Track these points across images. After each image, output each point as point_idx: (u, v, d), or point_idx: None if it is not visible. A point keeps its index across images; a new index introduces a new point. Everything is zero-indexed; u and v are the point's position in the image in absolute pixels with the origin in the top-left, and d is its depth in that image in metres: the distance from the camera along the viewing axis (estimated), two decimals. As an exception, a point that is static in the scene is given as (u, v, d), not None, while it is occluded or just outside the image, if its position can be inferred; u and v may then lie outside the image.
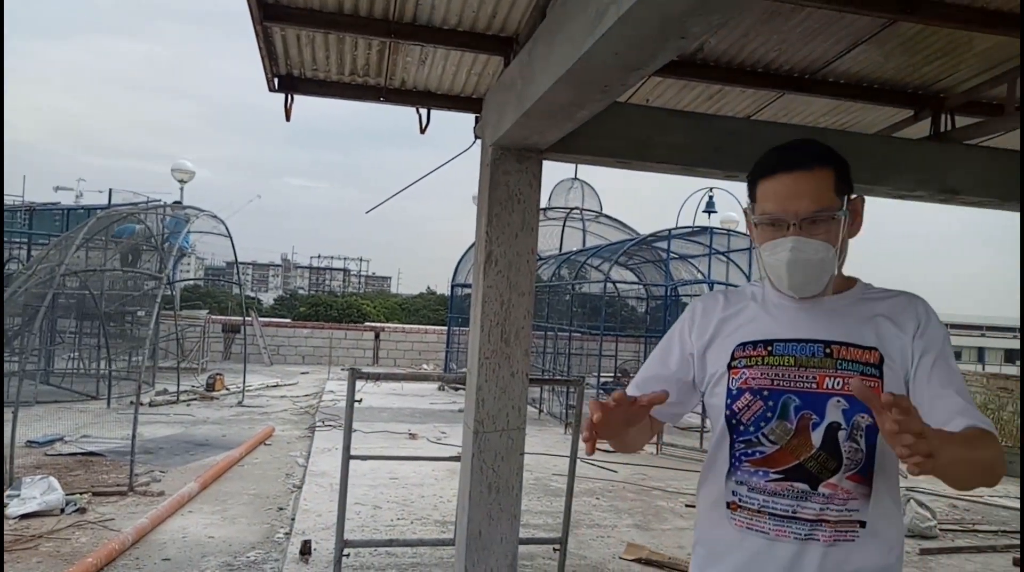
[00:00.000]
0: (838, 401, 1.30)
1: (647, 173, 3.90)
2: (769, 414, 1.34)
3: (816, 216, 1.33)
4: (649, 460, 7.83)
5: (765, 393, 1.34)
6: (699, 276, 10.82)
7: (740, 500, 1.36)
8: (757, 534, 1.33)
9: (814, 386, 1.32)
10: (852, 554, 1.29)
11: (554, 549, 4.07)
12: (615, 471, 7.17)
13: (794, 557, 1.30)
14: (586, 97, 2.44)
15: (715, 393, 1.42)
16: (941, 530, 5.52)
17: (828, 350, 1.33)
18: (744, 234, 10.02)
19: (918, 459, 0.99)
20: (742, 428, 1.36)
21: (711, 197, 14.41)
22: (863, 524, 1.30)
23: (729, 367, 1.39)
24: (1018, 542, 5.43)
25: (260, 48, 3.53)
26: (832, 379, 1.31)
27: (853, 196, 1.37)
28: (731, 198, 25.12)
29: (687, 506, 6.01)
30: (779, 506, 1.31)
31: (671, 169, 3.65)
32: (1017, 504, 6.66)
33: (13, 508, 4.80)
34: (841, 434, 1.30)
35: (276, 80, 3.94)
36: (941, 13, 2.92)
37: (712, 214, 14.50)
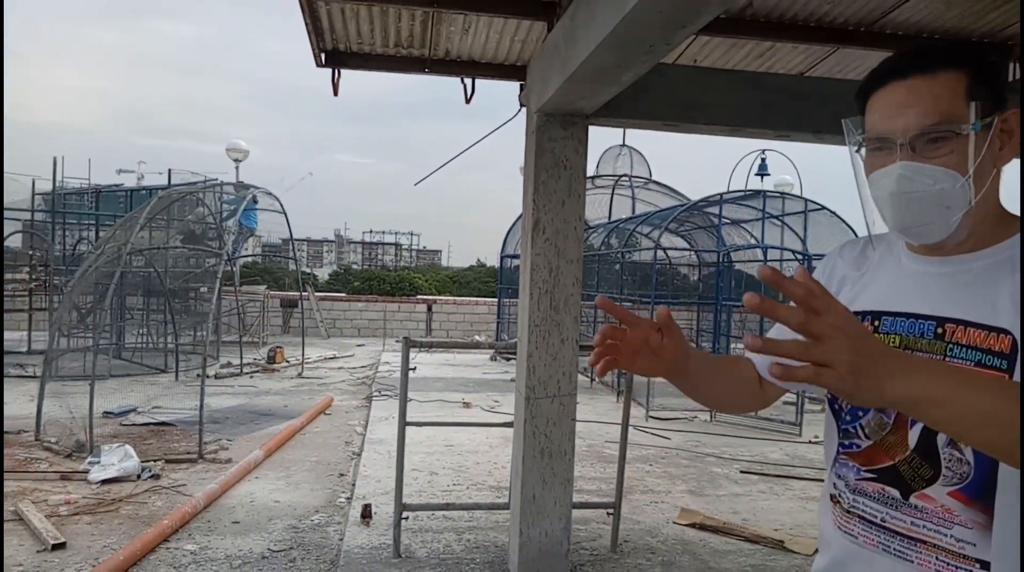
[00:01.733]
0: None
1: (698, 135, 3.84)
2: None
3: (934, 133, 1.01)
4: (703, 427, 7.80)
5: None
6: (752, 241, 10.59)
7: (840, 495, 1.18)
8: (846, 536, 1.16)
9: None
10: None
11: (608, 513, 4.12)
12: (668, 438, 7.17)
13: (881, 569, 1.10)
14: (630, 58, 2.41)
15: None
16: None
17: (940, 330, 1.06)
18: (799, 197, 9.75)
19: (805, 368, 0.79)
20: (843, 415, 1.17)
21: (764, 160, 14.01)
22: (985, 566, 1.00)
23: None
24: None
25: (306, 24, 3.58)
26: None
27: (1002, 112, 1.03)
28: (784, 160, 24.40)
29: (742, 472, 5.98)
30: (868, 509, 1.12)
31: (720, 131, 3.59)
32: None
33: (94, 474, 5.10)
34: (940, 438, 1.05)
35: (323, 55, 4.00)
36: (1008, -46, 2.77)
37: (765, 177, 14.12)
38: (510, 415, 4.15)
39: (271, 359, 11.27)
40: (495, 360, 12.65)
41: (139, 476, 5.20)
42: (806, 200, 9.25)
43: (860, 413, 1.14)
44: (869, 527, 1.12)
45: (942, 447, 1.04)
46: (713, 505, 5.08)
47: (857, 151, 1.10)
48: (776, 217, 9.68)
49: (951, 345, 1.05)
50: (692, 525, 4.58)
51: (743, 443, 7.08)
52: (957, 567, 1.02)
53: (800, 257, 8.96)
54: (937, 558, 1.04)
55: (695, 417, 8.26)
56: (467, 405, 8.45)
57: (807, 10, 3.45)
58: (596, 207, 13.46)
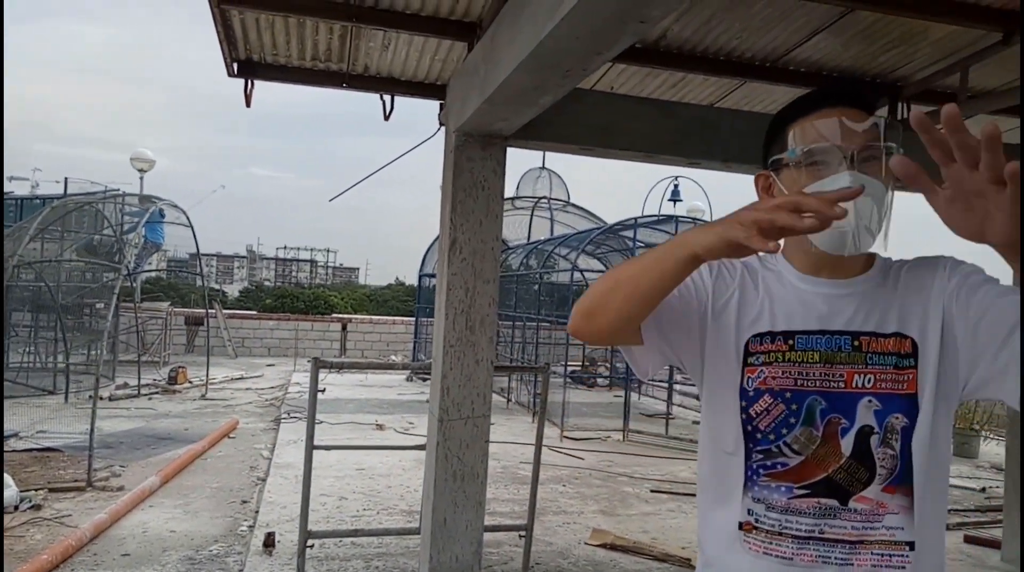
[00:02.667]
0: (870, 401, 1.12)
1: (614, 161, 3.92)
2: (793, 420, 1.14)
3: (874, 151, 1.08)
4: (615, 447, 7.90)
5: (788, 395, 1.14)
6: (665, 265, 10.92)
7: (757, 520, 1.15)
8: (777, 560, 1.13)
9: (842, 385, 1.13)
10: None
11: (519, 536, 4.08)
12: (582, 458, 7.22)
13: None
14: (548, 82, 2.44)
15: (722, 389, 1.20)
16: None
17: (856, 342, 1.14)
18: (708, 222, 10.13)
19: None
20: (759, 436, 1.16)
21: (676, 186, 14.53)
22: (912, 545, 1.10)
23: (744, 364, 1.18)
24: (969, 520, 5.60)
25: (218, 32, 3.45)
26: (861, 376, 1.13)
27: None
28: (696, 187, 25.40)
29: (652, 491, 6.08)
30: (803, 526, 1.12)
31: (634, 156, 3.68)
32: (968, 484, 6.88)
33: (-35, 505, 4.66)
34: (874, 439, 1.11)
35: (235, 65, 3.86)
36: (897, 2, 2.97)
37: (677, 203, 14.62)
38: (425, 437, 4.07)
39: (172, 380, 10.72)
40: (411, 381, 12.46)
41: (17, 507, 4.79)
42: (715, 226, 9.62)
43: (784, 431, 1.14)
44: (805, 543, 1.12)
45: (875, 448, 1.11)
46: (624, 525, 5.13)
47: (790, 167, 1.15)
48: (687, 242, 10.02)
49: (869, 354, 1.14)
50: (603, 545, 4.61)
51: (654, 462, 7.22)
52: (891, 555, 1.10)
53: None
54: (872, 552, 1.10)
55: (608, 437, 8.38)
56: (380, 427, 8.27)
57: (717, 44, 3.59)
58: (515, 228, 13.57)
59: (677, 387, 10.51)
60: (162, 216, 10.89)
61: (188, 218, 10.96)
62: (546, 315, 11.75)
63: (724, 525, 1.19)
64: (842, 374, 1.14)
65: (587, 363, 13.94)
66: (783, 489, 1.14)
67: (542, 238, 12.36)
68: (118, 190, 9.94)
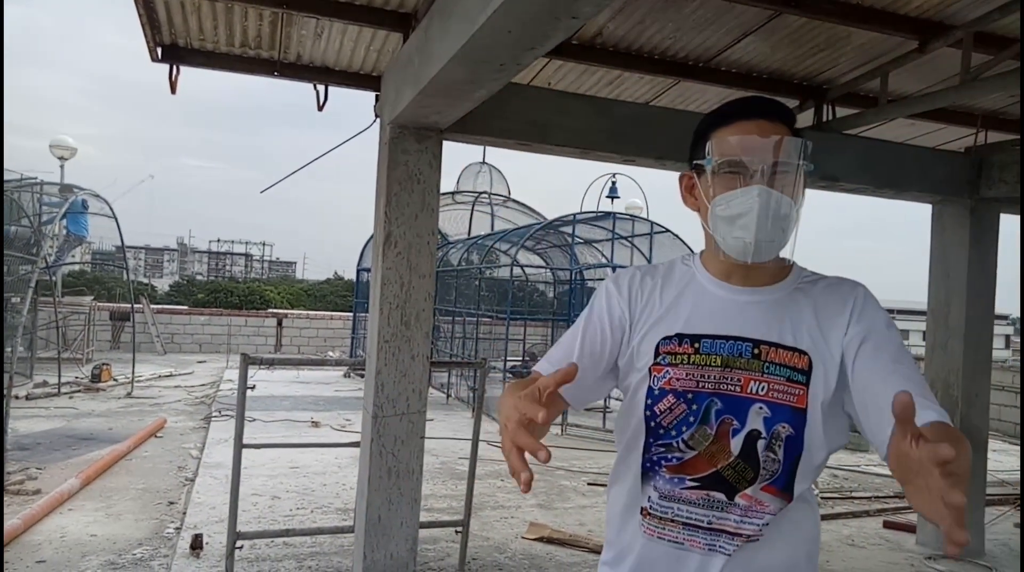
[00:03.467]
0: (760, 408, 1.19)
1: (554, 157, 3.93)
2: (692, 418, 1.21)
3: (783, 166, 1.17)
4: (553, 440, 7.96)
5: (689, 396, 1.21)
6: (603, 260, 11.06)
7: (652, 508, 1.24)
8: (668, 544, 1.23)
9: (738, 389, 1.20)
10: (758, 552, 1.21)
11: (456, 532, 4.07)
12: (521, 453, 7.25)
13: (705, 568, 1.21)
14: (482, 75, 2.42)
15: (634, 387, 1.27)
16: (822, 498, 5.90)
17: (756, 350, 1.21)
18: (646, 219, 10.31)
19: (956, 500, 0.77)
20: (661, 431, 1.23)
21: (614, 183, 14.72)
22: (768, 525, 1.23)
23: (654, 363, 1.24)
24: (888, 506, 5.87)
25: (140, 15, 3.31)
26: (757, 383, 1.20)
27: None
28: (633, 184, 25.78)
29: (589, 484, 6.15)
30: (694, 515, 1.21)
31: (571, 152, 3.70)
32: (887, 472, 7.20)
33: None
34: (760, 443, 1.19)
35: (159, 50, 3.71)
36: (822, 8, 3.07)
37: (615, 199, 14.82)
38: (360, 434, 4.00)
39: (96, 377, 10.27)
40: (349, 377, 12.28)
41: (-79, 514, 4.50)
42: (652, 222, 9.79)
43: (684, 428, 1.21)
44: (695, 532, 1.21)
45: (761, 451, 1.19)
46: (561, 518, 5.17)
47: (706, 173, 1.22)
48: (625, 238, 10.17)
49: (766, 363, 1.20)
50: (540, 539, 4.64)
51: (591, 455, 7.31)
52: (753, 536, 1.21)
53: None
54: (751, 544, 1.20)
55: (548, 431, 8.43)
56: (316, 424, 8.12)
57: (651, 43, 3.64)
58: (456, 222, 13.50)
59: (615, 381, 10.67)
60: (84, 207, 10.38)
61: (112, 209, 10.50)
62: (486, 310, 11.74)
63: (627, 509, 1.28)
64: (739, 379, 1.20)
65: (527, 358, 14.01)
66: (676, 480, 1.22)
67: (483, 233, 12.35)
68: (35, 178, 9.43)
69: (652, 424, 1.24)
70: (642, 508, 1.26)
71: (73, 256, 14.04)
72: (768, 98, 1.26)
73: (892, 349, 1.17)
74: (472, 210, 13.11)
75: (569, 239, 10.50)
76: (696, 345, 1.22)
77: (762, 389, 1.19)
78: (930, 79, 3.86)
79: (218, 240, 71.02)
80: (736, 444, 1.19)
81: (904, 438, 0.83)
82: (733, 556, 1.20)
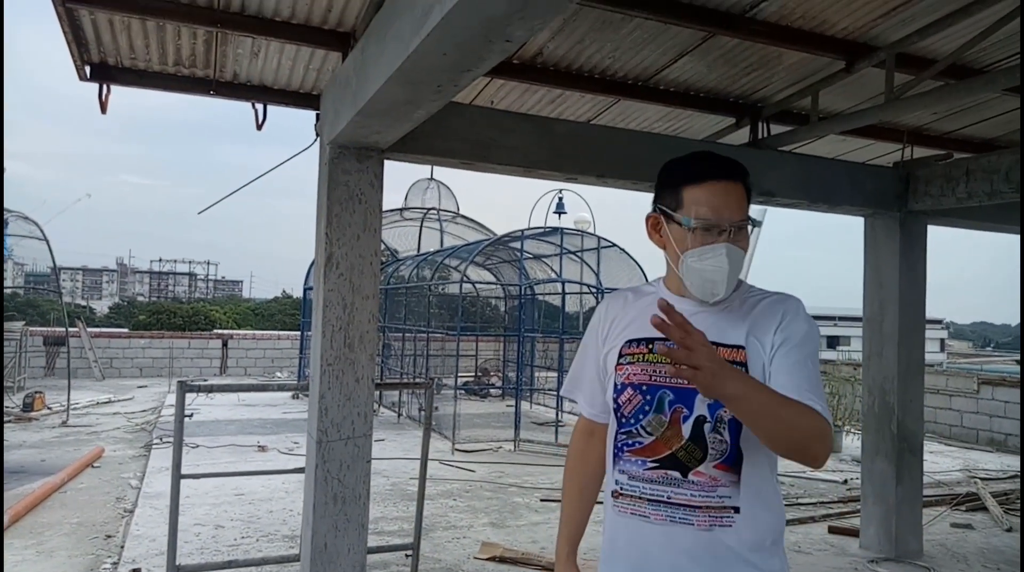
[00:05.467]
0: (703, 397, 1.38)
1: (503, 175, 3.93)
2: (647, 408, 1.43)
3: (742, 224, 1.42)
4: (507, 457, 7.94)
5: (644, 388, 1.44)
6: (552, 275, 11.12)
7: (622, 488, 1.46)
8: (639, 519, 1.43)
9: (685, 382, 1.35)
10: (727, 536, 1.39)
11: (406, 555, 4.00)
12: (473, 470, 7.20)
13: (672, 538, 1.40)
14: (421, 96, 2.41)
15: (608, 388, 1.52)
16: (769, 505, 6.01)
17: None
18: (593, 234, 10.41)
19: (678, 369, 1.16)
20: (624, 420, 1.46)
21: (561, 199, 14.86)
22: (737, 510, 1.40)
23: (618, 363, 1.49)
24: (833, 511, 6.02)
25: (65, 33, 3.21)
26: None
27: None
28: (580, 200, 26.07)
29: (542, 500, 6.14)
30: (656, 492, 1.42)
31: (514, 171, 3.71)
32: (833, 477, 7.40)
33: None
34: (706, 426, 1.40)
35: (88, 68, 3.60)
36: (753, 29, 3.16)
37: (563, 215, 14.95)
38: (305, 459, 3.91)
39: (28, 406, 9.81)
40: (297, 398, 12.02)
41: None
42: (599, 238, 9.89)
43: (641, 416, 1.44)
44: (658, 506, 1.42)
45: (708, 433, 1.40)
46: (514, 536, 5.14)
47: (677, 224, 1.44)
48: (574, 253, 10.25)
49: None
50: (492, 559, 4.60)
51: (544, 471, 7.29)
52: (722, 516, 1.40)
53: (595, 290, 9.54)
54: (708, 515, 1.40)
55: (500, 448, 8.40)
56: (263, 449, 7.91)
57: (591, 63, 3.70)
58: (405, 239, 13.40)
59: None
60: (5, 226, 9.95)
61: (42, 231, 10.09)
62: (437, 326, 11.66)
63: (607, 495, 1.52)
64: None
65: (479, 374, 13.96)
66: (639, 462, 1.45)
67: (432, 249, 12.29)
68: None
69: (618, 414, 1.48)
70: (613, 491, 1.48)
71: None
72: (730, 159, 1.45)
73: (799, 354, 1.40)
74: (421, 226, 13.04)
75: (518, 254, 10.53)
76: (649, 346, 1.46)
77: None
78: (858, 97, 4.02)
79: (160, 259, 69.00)
80: (687, 429, 1.41)
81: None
82: (701, 536, 1.38)
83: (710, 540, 1.38)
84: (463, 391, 11.34)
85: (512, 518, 5.61)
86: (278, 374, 15.59)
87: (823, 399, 1.35)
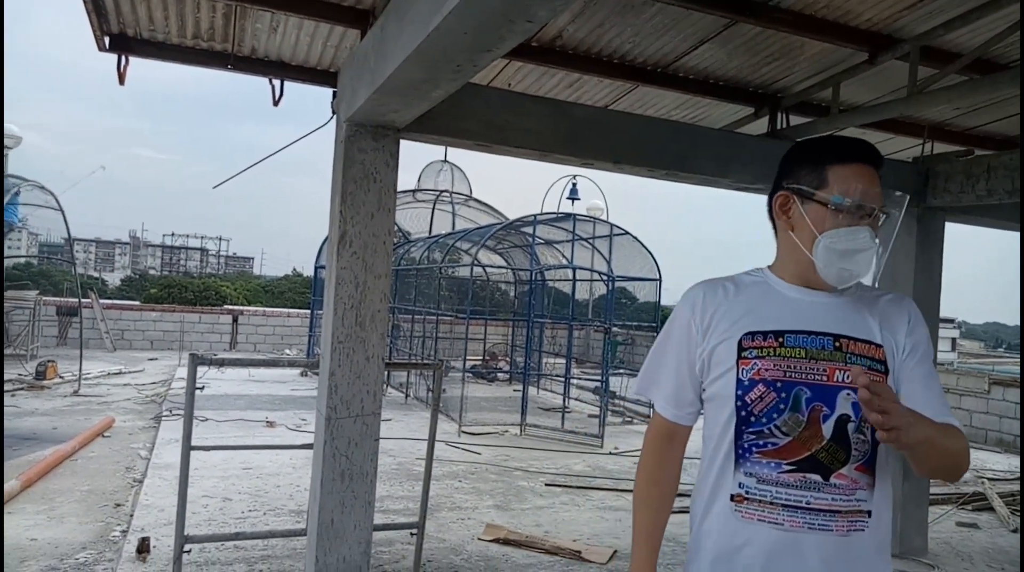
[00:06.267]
0: (848, 394, 1.32)
1: (516, 159, 3.91)
2: (782, 406, 1.33)
3: (882, 213, 1.38)
4: (513, 441, 7.97)
5: (778, 385, 1.34)
6: (564, 261, 11.10)
7: (747, 492, 1.35)
8: (770, 525, 1.32)
9: (824, 379, 1.33)
10: (861, 545, 1.33)
11: (411, 534, 4.04)
12: (479, 453, 7.24)
13: (807, 545, 1.31)
14: (439, 76, 2.40)
15: (719, 383, 1.40)
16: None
17: (838, 343, 1.35)
18: (606, 221, 10.37)
19: (884, 433, 1.12)
20: (753, 419, 1.35)
21: (575, 184, 14.79)
22: (869, 514, 1.34)
23: (739, 357, 1.37)
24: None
25: (85, 2, 3.20)
26: (842, 372, 1.33)
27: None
28: (593, 186, 25.92)
29: (546, 485, 6.17)
30: (792, 497, 1.32)
31: (529, 154, 3.69)
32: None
33: None
34: (850, 426, 1.32)
35: (107, 39, 3.60)
36: (776, 17, 3.12)
37: (576, 201, 14.90)
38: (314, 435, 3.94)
39: (41, 375, 9.93)
40: (306, 375, 12.11)
41: None
42: (611, 225, 9.86)
43: (775, 415, 1.34)
44: (794, 512, 1.32)
45: (852, 433, 1.33)
46: (518, 519, 5.18)
47: (817, 203, 1.38)
48: (586, 239, 10.22)
49: (849, 354, 1.35)
50: (496, 540, 4.63)
51: (549, 456, 7.33)
52: (857, 522, 1.33)
53: (606, 277, 9.52)
54: (847, 520, 1.32)
55: (506, 431, 8.44)
56: (271, 424, 7.98)
57: (611, 47, 3.66)
58: (417, 221, 13.41)
59: (574, 382, 10.72)
60: (16, 195, 10.02)
61: (58, 201, 10.16)
62: (447, 309, 11.69)
63: (716, 499, 1.39)
64: (824, 369, 1.34)
65: (487, 358, 14.00)
66: (772, 465, 1.33)
67: (444, 231, 12.29)
68: (-24, 169, 9.06)
69: (743, 413, 1.36)
70: (734, 495, 1.36)
71: (14, 248, 13.55)
72: (874, 146, 1.41)
73: (929, 364, 1.39)
74: (433, 208, 13.04)
75: (530, 240, 10.51)
76: (780, 339, 1.36)
77: (847, 377, 1.32)
78: (880, 90, 3.97)
79: (172, 234, 69.37)
80: (828, 428, 1.32)
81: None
82: (839, 542, 1.31)
83: (846, 546, 1.32)
84: (471, 374, 11.37)
85: (517, 501, 5.65)
86: (287, 351, 15.69)
87: (950, 408, 1.36)
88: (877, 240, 1.36)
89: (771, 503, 1.32)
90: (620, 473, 6.69)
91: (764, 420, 1.34)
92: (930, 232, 4.75)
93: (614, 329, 9.87)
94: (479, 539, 4.68)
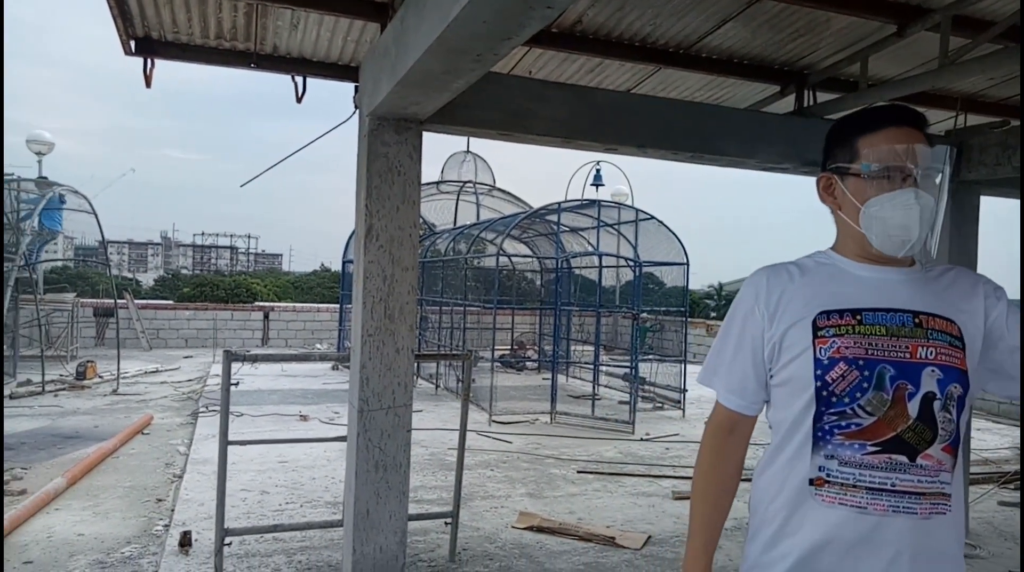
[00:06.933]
0: (932, 371, 1.28)
1: (539, 146, 3.90)
2: (866, 385, 1.28)
3: (930, 171, 1.32)
4: (543, 429, 7.99)
5: (861, 363, 1.29)
6: (589, 248, 11.05)
7: (829, 475, 1.30)
8: (853, 510, 1.28)
9: (907, 356, 1.29)
10: (942, 528, 1.29)
11: (446, 523, 4.08)
12: (510, 441, 7.27)
13: (892, 529, 1.27)
14: (460, 66, 2.39)
15: (793, 366, 1.34)
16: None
17: (917, 320, 1.32)
18: (631, 207, 10.30)
19: None
20: (834, 399, 1.30)
21: (598, 170, 14.69)
22: (949, 496, 1.30)
23: (815, 337, 1.32)
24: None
25: (111, 7, 3.25)
26: (925, 349, 1.29)
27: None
28: (618, 172, 25.76)
29: (579, 472, 6.18)
30: (876, 479, 1.27)
31: (552, 141, 3.67)
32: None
33: None
34: (936, 404, 1.28)
35: (133, 43, 3.65)
36: (800, -8, 3.06)
37: (600, 187, 14.80)
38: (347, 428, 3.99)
39: (81, 375, 10.18)
40: (337, 369, 12.25)
41: (-96, 517, 4.45)
42: (636, 210, 9.78)
43: (858, 394, 1.29)
44: (879, 495, 1.27)
45: (938, 412, 1.28)
46: (551, 506, 5.19)
47: (854, 177, 1.35)
48: (611, 225, 10.16)
49: (930, 330, 1.32)
50: (530, 528, 4.66)
51: (580, 443, 7.33)
52: (939, 504, 1.29)
53: (632, 263, 9.46)
54: (930, 502, 1.28)
55: (536, 420, 8.46)
56: (304, 418, 8.09)
57: (631, 30, 3.63)
58: (441, 212, 13.43)
59: (603, 369, 10.70)
60: (62, 202, 10.25)
61: (91, 204, 10.37)
62: (474, 300, 11.72)
63: (790, 484, 1.34)
64: (907, 346, 1.30)
65: (516, 347, 14.02)
66: (856, 446, 1.29)
67: (468, 222, 12.30)
68: (12, 175, 9.27)
69: (824, 393, 1.31)
70: (813, 479, 1.31)
71: (51, 252, 13.87)
72: (908, 106, 1.37)
73: (1017, 311, 1.35)
74: (457, 199, 13.05)
75: (555, 227, 10.48)
76: (858, 317, 1.32)
77: (930, 354, 1.29)
78: (909, 63, 3.87)
79: (203, 233, 70.46)
80: (913, 407, 1.28)
81: None
82: (921, 525, 1.27)
83: (929, 529, 1.28)
84: (499, 364, 11.40)
85: (549, 489, 5.67)
86: (317, 346, 15.88)
87: None
88: (921, 200, 1.30)
89: (854, 486, 1.28)
90: (652, 459, 6.68)
91: (847, 400, 1.29)
92: (965, 208, 4.64)
93: (643, 315, 9.82)
94: (513, 527, 4.71)
